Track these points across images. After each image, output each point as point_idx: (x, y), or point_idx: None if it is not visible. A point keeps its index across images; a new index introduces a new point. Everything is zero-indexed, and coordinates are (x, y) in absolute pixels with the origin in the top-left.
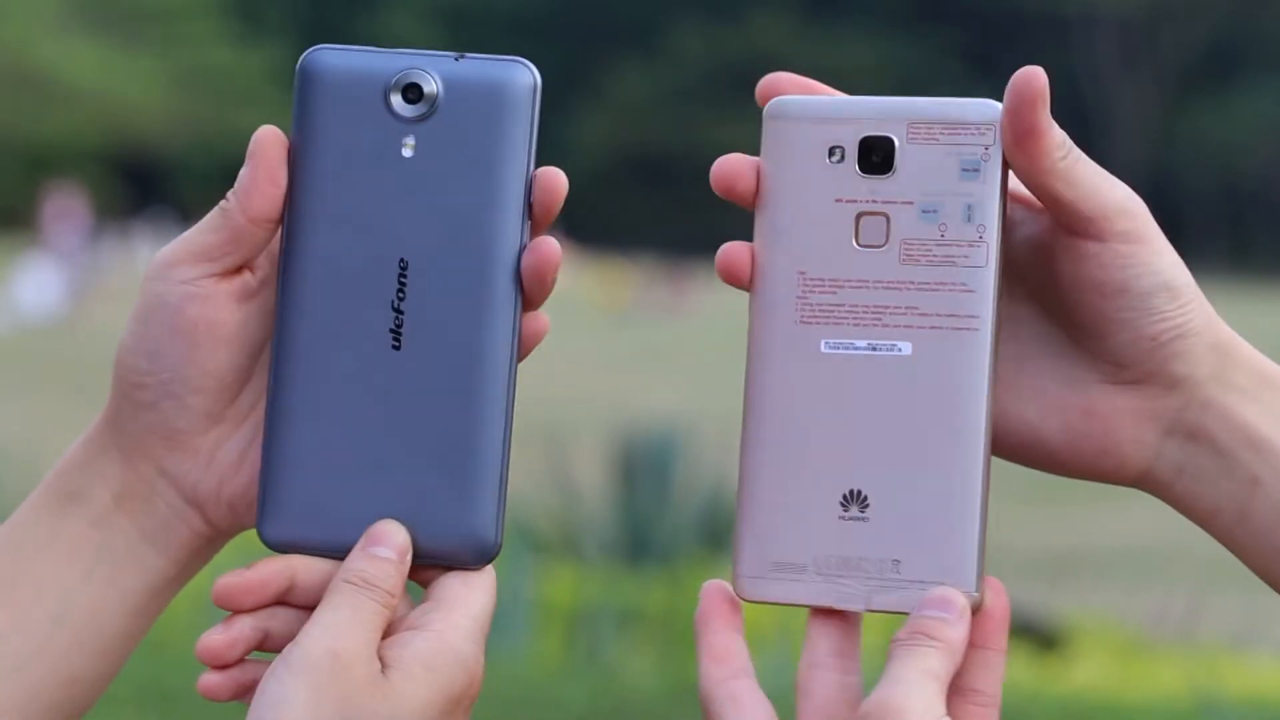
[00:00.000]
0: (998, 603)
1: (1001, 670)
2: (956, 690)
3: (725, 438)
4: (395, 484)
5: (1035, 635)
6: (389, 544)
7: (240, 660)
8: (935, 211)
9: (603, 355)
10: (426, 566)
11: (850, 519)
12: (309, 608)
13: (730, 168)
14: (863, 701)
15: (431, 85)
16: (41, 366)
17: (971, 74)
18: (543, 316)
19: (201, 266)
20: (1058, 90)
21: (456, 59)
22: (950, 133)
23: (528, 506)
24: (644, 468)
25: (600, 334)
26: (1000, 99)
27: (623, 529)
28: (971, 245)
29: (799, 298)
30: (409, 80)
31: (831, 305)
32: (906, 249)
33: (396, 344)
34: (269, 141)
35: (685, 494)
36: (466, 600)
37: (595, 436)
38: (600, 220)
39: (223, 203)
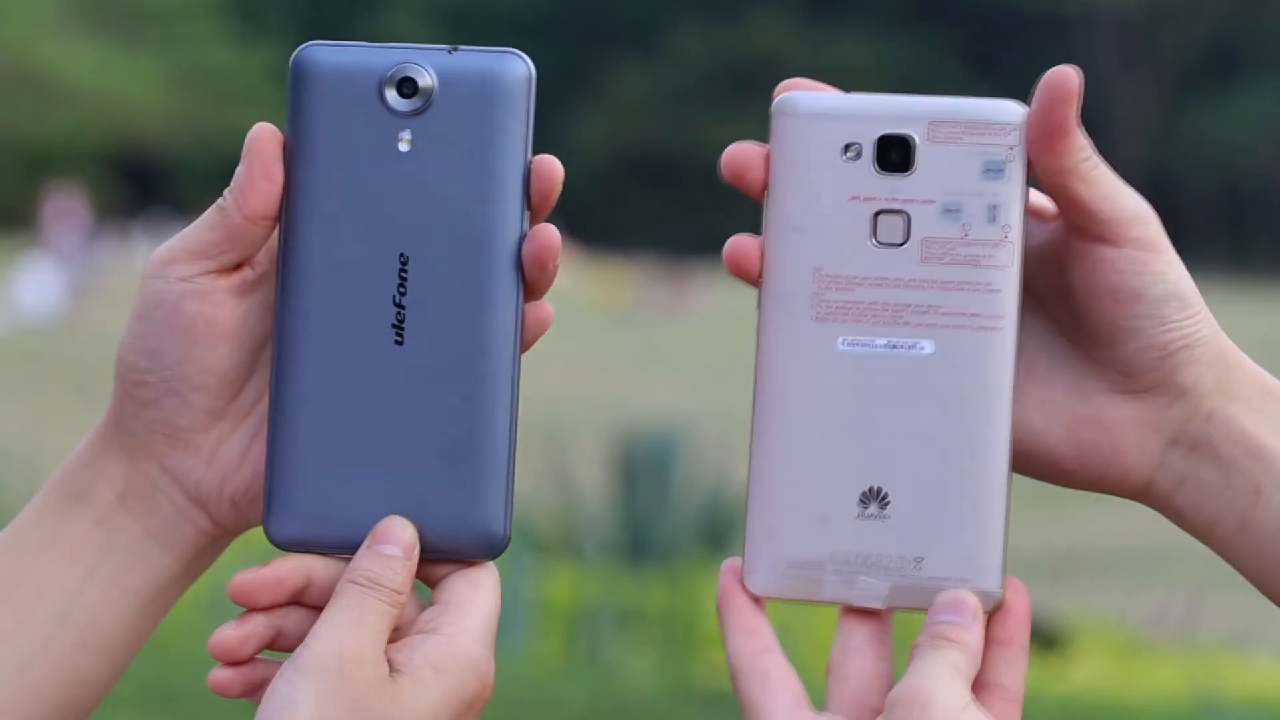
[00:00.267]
0: (1018, 600)
1: (1024, 666)
2: (981, 685)
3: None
4: (401, 479)
5: (1035, 635)
6: (395, 541)
7: (252, 658)
8: (958, 211)
9: (603, 355)
10: (434, 561)
11: (870, 517)
12: (323, 607)
13: (741, 155)
14: (891, 691)
15: (426, 79)
16: (41, 366)
17: (971, 74)
18: (546, 305)
19: (199, 264)
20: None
21: (450, 52)
22: (973, 132)
23: (528, 506)
24: (644, 468)
25: (600, 334)
26: (1003, 99)
27: (623, 529)
28: (996, 245)
29: (814, 295)
30: (403, 74)
31: (848, 303)
32: (928, 248)
33: (399, 339)
34: (264, 139)
35: (685, 494)
36: (475, 602)
37: (595, 436)
38: (600, 220)
39: (219, 201)
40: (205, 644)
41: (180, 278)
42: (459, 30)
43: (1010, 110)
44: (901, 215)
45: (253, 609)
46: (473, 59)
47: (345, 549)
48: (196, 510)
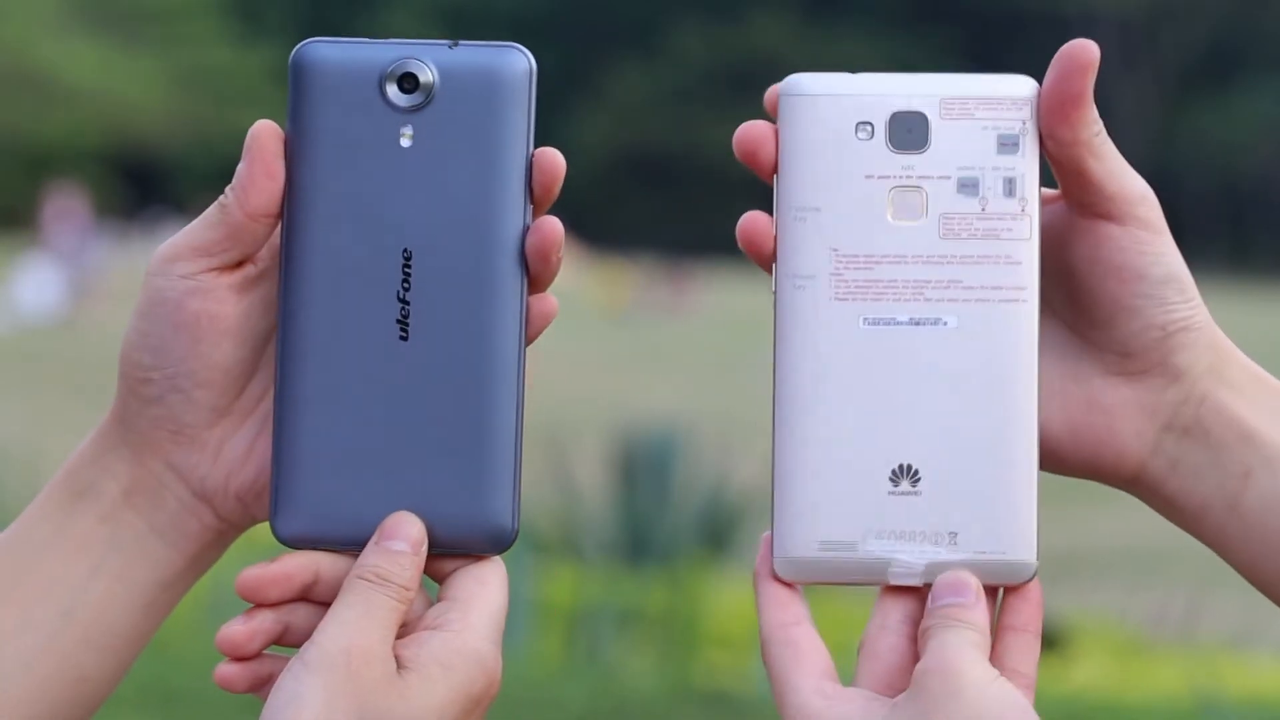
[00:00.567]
0: (1034, 587)
1: (1037, 651)
2: (999, 671)
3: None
4: (408, 475)
5: None
6: (403, 537)
7: (259, 653)
8: (975, 185)
9: (603, 355)
10: (442, 557)
11: (901, 493)
12: (331, 602)
13: (755, 133)
14: (917, 666)
15: (427, 74)
16: (41, 366)
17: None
18: (550, 298)
19: (202, 261)
20: None
21: (451, 47)
22: (986, 107)
23: (528, 506)
24: (644, 468)
25: (600, 334)
26: (1013, 74)
27: (623, 529)
28: (1014, 218)
29: (833, 275)
30: (404, 70)
31: (868, 281)
32: (946, 223)
33: (404, 334)
34: (265, 136)
35: (685, 494)
36: (483, 599)
37: (595, 436)
38: (600, 220)
39: (221, 198)
40: (207, 644)
41: (183, 275)
42: (459, 30)
43: (1022, 84)
44: (918, 192)
45: (260, 604)
46: (474, 54)
47: (353, 545)
48: (202, 506)
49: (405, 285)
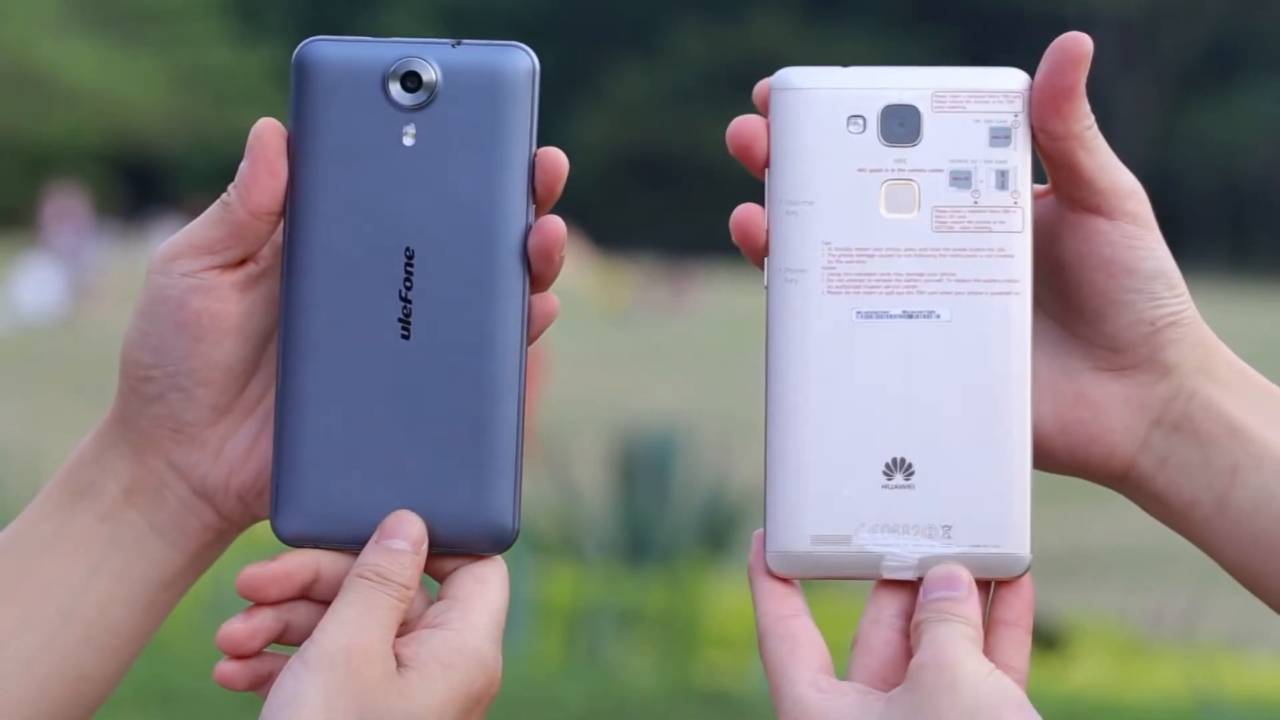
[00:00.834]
0: (1026, 583)
1: (1029, 647)
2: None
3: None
4: (409, 474)
5: (1035, 635)
6: (404, 535)
7: (259, 651)
8: (967, 178)
9: (603, 355)
10: (443, 556)
11: (895, 487)
12: (332, 601)
13: (747, 128)
14: (912, 659)
15: (430, 73)
16: (41, 366)
17: None
18: (552, 297)
19: (204, 259)
20: None
21: (454, 45)
22: (978, 100)
23: (528, 506)
24: (644, 468)
25: (600, 334)
26: (1005, 67)
27: (623, 529)
28: (1007, 211)
29: (825, 268)
30: (407, 68)
31: (861, 274)
32: (939, 216)
33: (406, 333)
34: (268, 134)
35: (685, 494)
36: (483, 597)
37: (595, 436)
38: (600, 220)
39: (223, 196)
40: (207, 643)
41: (185, 273)
42: (459, 30)
43: (1014, 76)
44: (911, 185)
45: (261, 603)
46: (476, 53)
47: (353, 544)
48: (203, 505)
49: (407, 284)
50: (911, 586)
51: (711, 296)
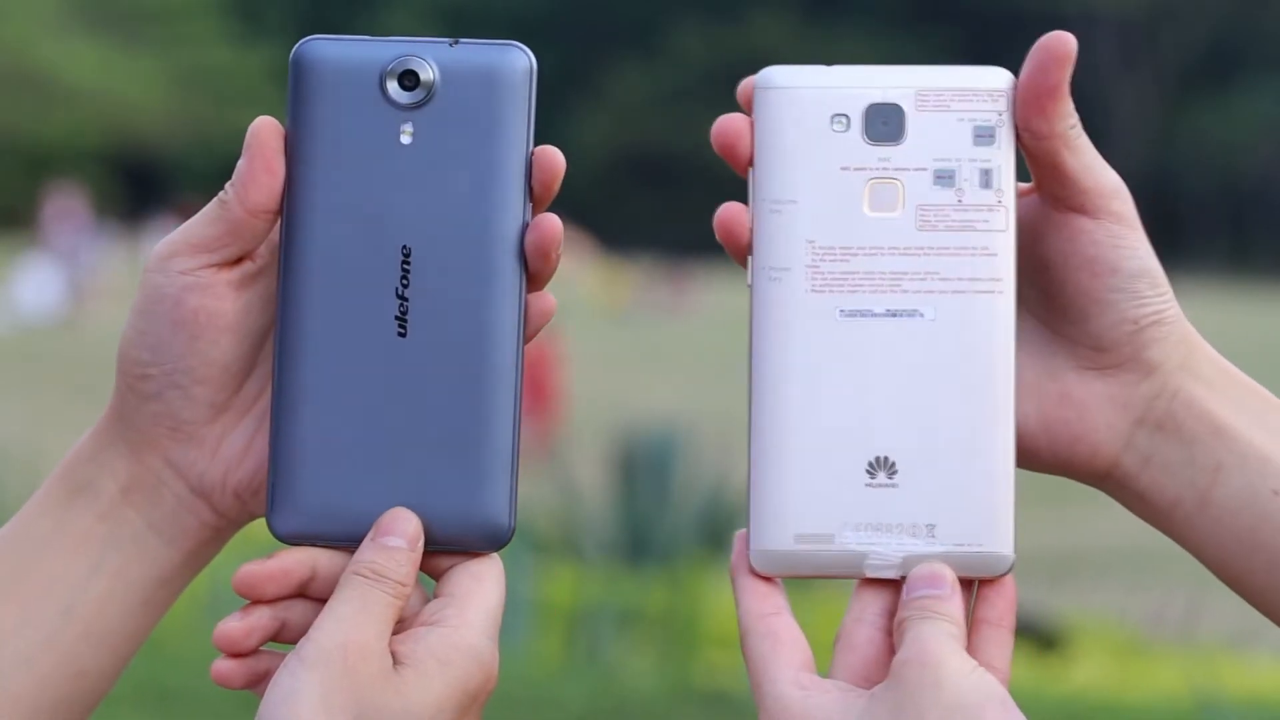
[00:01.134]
0: (1008, 583)
1: (1011, 646)
2: None
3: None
4: (405, 471)
5: (1035, 635)
6: (400, 533)
7: (256, 649)
8: (950, 177)
9: (603, 355)
10: (439, 554)
11: (878, 485)
12: (328, 599)
13: (731, 127)
14: (895, 657)
15: (428, 72)
16: (41, 366)
17: None
18: (549, 296)
19: (201, 257)
20: None
21: (451, 44)
22: (962, 99)
23: (528, 506)
24: (644, 468)
25: (600, 334)
26: (989, 66)
27: (623, 529)
28: (990, 210)
29: (809, 267)
30: (405, 67)
31: (844, 273)
32: (922, 215)
33: (402, 331)
34: (266, 132)
35: (685, 494)
36: (479, 595)
37: (595, 436)
38: (600, 220)
39: (221, 194)
40: (204, 642)
41: (182, 271)
42: (458, 30)
43: (998, 75)
44: (894, 184)
45: (257, 601)
46: (474, 51)
47: (349, 542)
48: (200, 503)
49: (404, 282)
50: (895, 585)
51: (711, 296)
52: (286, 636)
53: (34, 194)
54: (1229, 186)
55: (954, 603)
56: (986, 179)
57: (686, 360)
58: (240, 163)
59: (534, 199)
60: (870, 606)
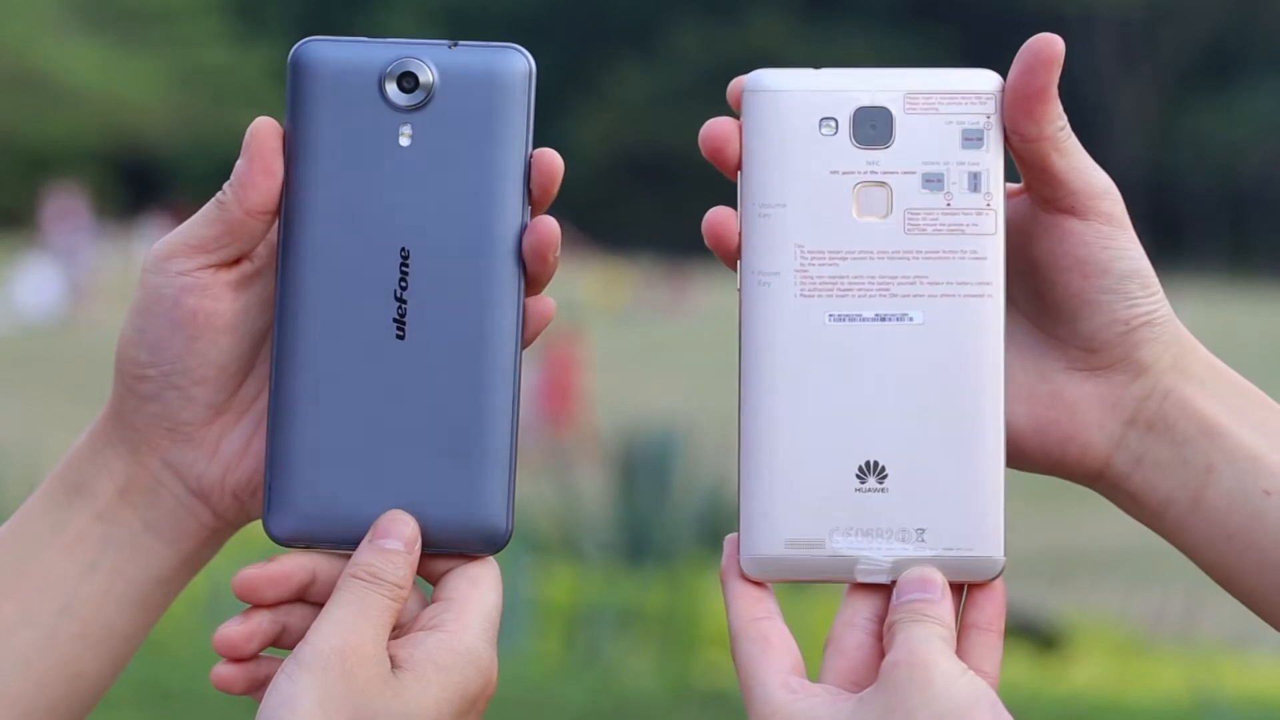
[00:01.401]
0: (998, 588)
1: (1000, 650)
2: None
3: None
4: (402, 474)
5: (1035, 635)
6: (397, 535)
7: (256, 654)
8: (939, 180)
9: (603, 355)
10: (436, 557)
11: (868, 490)
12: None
13: (719, 130)
14: (885, 659)
15: (427, 74)
16: (41, 366)
17: None
18: (547, 299)
19: (199, 258)
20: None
21: (450, 46)
22: (951, 102)
23: (528, 506)
24: (644, 468)
25: (600, 334)
26: (977, 68)
27: (623, 529)
28: (979, 213)
29: (797, 271)
30: (404, 69)
31: (833, 277)
32: (911, 219)
33: (400, 333)
34: (264, 133)
35: (685, 494)
36: (477, 599)
37: (595, 436)
38: (600, 220)
39: (219, 195)
40: (203, 644)
41: (180, 271)
42: (458, 31)
43: (987, 78)
44: (883, 188)
45: (257, 605)
46: (473, 54)
47: (346, 544)
48: (198, 503)
49: (402, 284)
50: (885, 590)
51: (711, 296)
52: (287, 641)
53: (33, 194)
54: (1229, 186)
55: (944, 606)
56: (975, 182)
57: (686, 360)
58: (239, 163)
59: (533, 201)
60: (860, 611)
